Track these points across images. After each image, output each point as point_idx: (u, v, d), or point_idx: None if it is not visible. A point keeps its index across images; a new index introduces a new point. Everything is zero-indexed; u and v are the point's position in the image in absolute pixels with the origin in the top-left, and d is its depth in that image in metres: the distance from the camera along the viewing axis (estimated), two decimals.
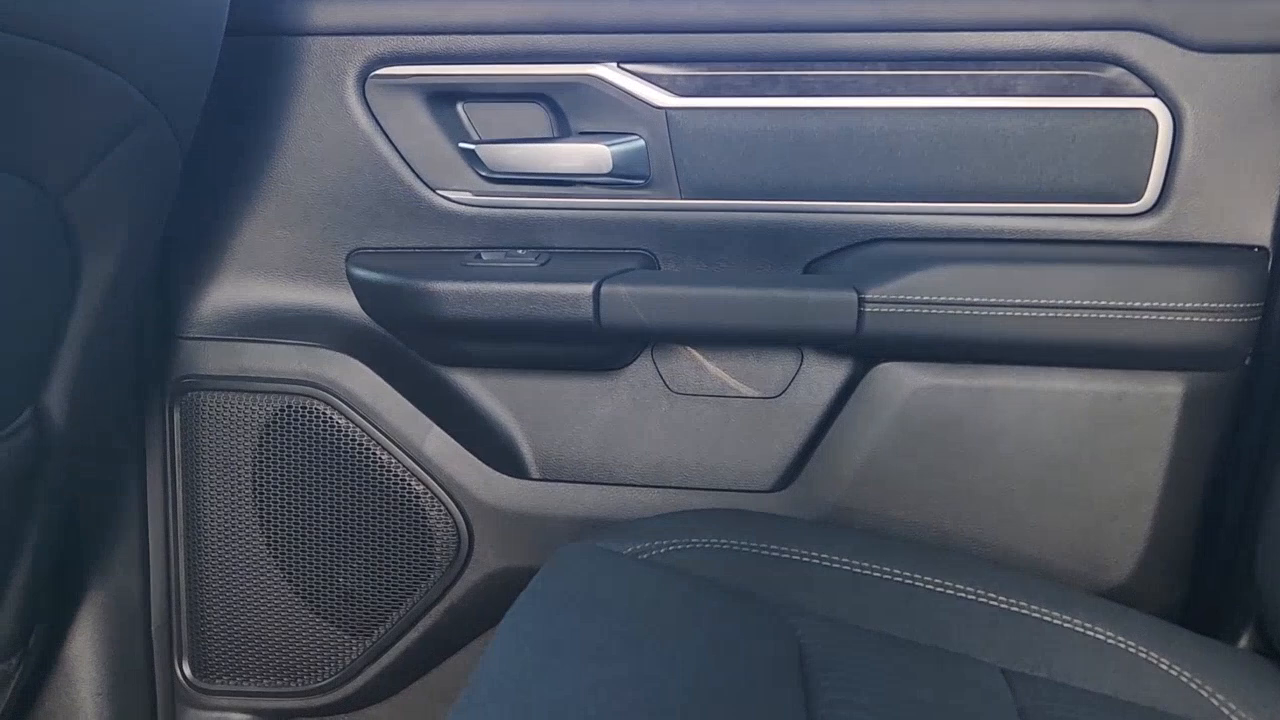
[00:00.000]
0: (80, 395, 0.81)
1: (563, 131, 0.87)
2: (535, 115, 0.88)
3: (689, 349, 0.93)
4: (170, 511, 0.97)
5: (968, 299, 0.82)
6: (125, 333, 0.85)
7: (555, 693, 0.58)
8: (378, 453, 0.93)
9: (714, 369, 0.93)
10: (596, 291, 0.85)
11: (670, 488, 0.93)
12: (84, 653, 0.97)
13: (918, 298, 0.82)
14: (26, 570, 0.83)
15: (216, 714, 1.00)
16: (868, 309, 0.83)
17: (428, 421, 0.92)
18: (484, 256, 0.89)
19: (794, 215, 0.86)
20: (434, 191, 0.90)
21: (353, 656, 0.97)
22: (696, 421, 0.93)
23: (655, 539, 0.74)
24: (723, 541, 0.74)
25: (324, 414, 0.93)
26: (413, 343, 0.94)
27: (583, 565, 0.72)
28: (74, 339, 0.78)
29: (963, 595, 0.71)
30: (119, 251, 0.72)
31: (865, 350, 0.88)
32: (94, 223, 0.68)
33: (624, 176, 0.86)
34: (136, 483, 0.97)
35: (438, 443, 0.92)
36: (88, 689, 0.98)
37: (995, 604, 0.71)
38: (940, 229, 0.85)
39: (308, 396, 0.92)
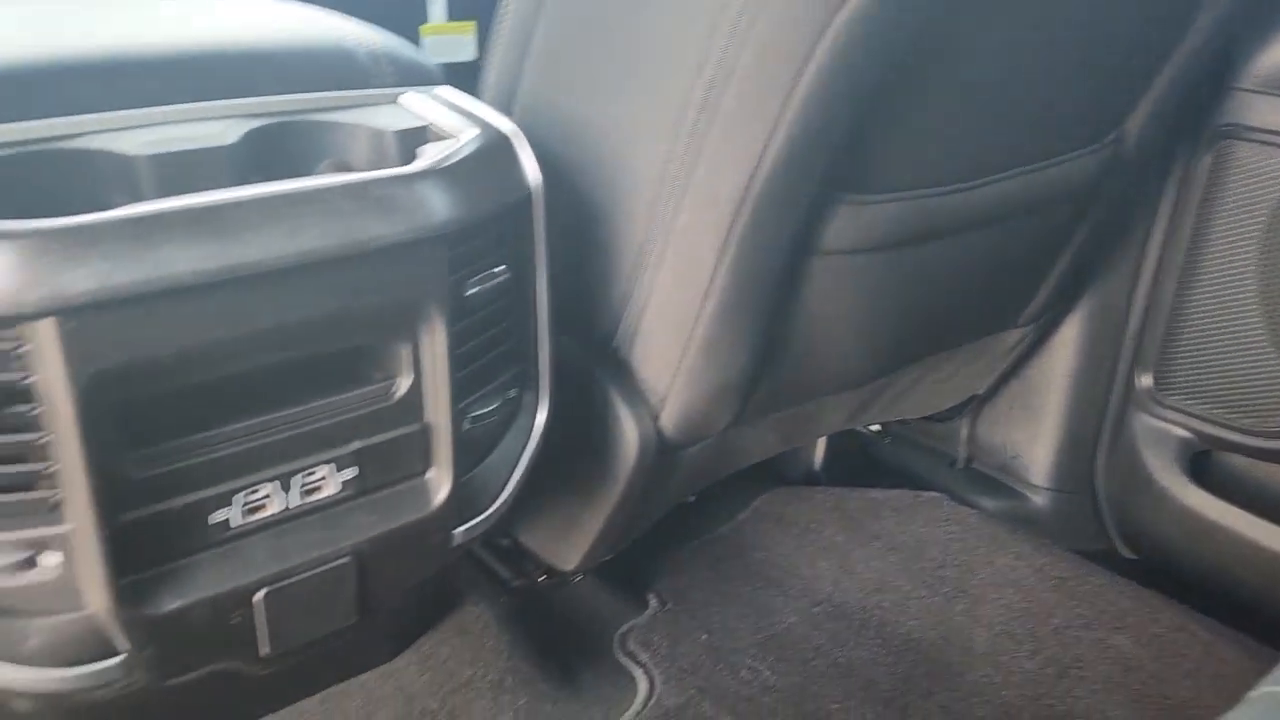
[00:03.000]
0: (1149, 129, 0.95)
1: None
2: None
3: None
4: (1174, 245, 1.09)
5: None
6: (1193, 77, 0.95)
7: None
8: None
9: None
10: None
11: None
12: (1066, 337, 1.18)
13: None
14: (1066, 258, 1.04)
15: (1162, 424, 1.14)
16: None
17: None
18: None
19: None
20: None
21: None
22: None
23: None
24: None
25: None
26: None
27: None
28: (1164, 76, 0.90)
29: None
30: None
31: None
32: None
33: None
34: (1147, 212, 1.10)
35: None
36: (1062, 368, 1.19)
37: None
38: None
39: None
